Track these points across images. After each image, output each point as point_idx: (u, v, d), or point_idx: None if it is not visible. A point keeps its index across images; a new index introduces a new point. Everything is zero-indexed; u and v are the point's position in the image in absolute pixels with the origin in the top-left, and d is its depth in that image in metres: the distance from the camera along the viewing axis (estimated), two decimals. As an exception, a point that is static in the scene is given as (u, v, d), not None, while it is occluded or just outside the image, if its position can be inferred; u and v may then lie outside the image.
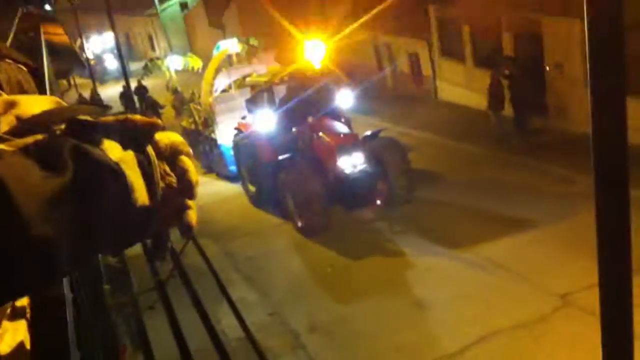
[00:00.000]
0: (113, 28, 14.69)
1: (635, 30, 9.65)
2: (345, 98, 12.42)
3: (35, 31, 4.62)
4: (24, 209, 0.61)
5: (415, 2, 18.55)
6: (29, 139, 0.70)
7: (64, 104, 0.90)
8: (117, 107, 21.30)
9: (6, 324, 0.93)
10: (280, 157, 11.55)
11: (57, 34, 7.27)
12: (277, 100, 12.51)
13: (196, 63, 23.89)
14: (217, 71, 15.86)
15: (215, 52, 17.77)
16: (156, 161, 0.83)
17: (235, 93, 15.67)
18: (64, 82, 22.66)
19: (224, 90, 15.98)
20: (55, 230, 0.64)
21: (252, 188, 12.96)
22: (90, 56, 33.39)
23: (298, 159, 11.27)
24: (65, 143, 0.70)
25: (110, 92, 29.47)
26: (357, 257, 9.74)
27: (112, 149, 0.77)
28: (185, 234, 0.91)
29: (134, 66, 31.70)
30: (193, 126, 16.98)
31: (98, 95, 25.80)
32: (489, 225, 9.85)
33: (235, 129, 13.59)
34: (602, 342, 1.73)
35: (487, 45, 17.08)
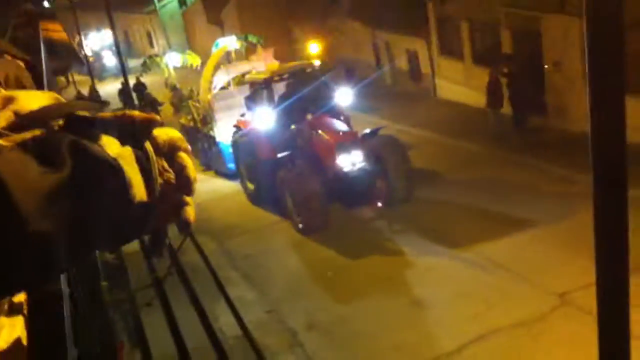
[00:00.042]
0: (112, 25, 14.66)
1: (635, 28, 9.64)
2: (344, 95, 12.39)
3: (34, 28, 4.61)
4: (22, 204, 0.61)
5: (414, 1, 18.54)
6: (27, 135, 0.70)
7: (62, 100, 0.89)
8: (116, 104, 21.28)
9: (3, 319, 0.93)
10: (279, 155, 11.53)
11: (55, 30, 7.27)
12: (276, 98, 12.48)
13: (195, 60, 23.88)
14: (216, 68, 15.83)
15: (214, 50, 17.73)
16: (154, 157, 0.83)
17: (234, 90, 15.62)
18: (63, 79, 22.58)
19: (222, 88, 15.95)
20: (53, 226, 0.64)
21: (250, 186, 12.93)
22: (89, 53, 33.36)
23: (297, 157, 11.24)
24: (63, 139, 0.69)
25: (109, 89, 29.43)
26: (356, 255, 9.73)
27: (110, 145, 0.77)
28: (183, 230, 0.91)
29: (133, 63, 31.65)
30: (192, 123, 16.94)
31: (97, 92, 25.80)
32: (489, 225, 9.85)
33: (234, 126, 13.55)
34: (599, 341, 1.73)
35: (485, 43, 17.07)
